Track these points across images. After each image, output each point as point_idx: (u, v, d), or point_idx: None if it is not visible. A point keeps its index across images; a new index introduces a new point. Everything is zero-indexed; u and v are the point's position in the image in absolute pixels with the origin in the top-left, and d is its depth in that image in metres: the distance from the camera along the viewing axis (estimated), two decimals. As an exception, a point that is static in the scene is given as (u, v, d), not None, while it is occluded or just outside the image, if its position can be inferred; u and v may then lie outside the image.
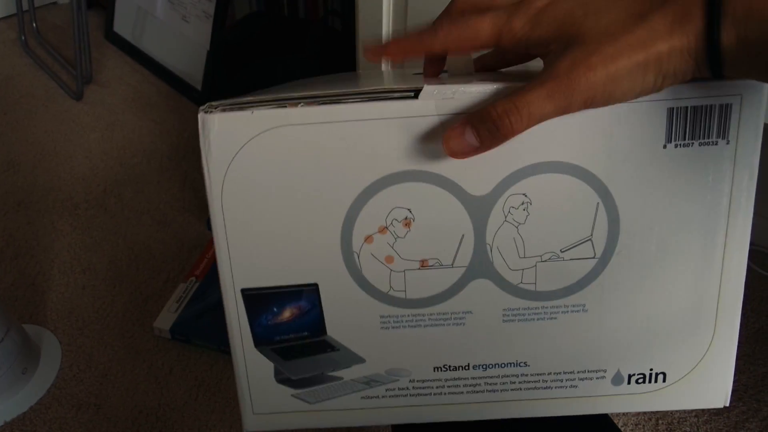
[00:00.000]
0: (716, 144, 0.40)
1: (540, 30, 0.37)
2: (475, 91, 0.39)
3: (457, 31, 0.39)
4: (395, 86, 0.39)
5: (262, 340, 0.43)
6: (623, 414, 1.04)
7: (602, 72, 0.34)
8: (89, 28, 1.56)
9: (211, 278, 1.19)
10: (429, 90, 0.39)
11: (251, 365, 0.44)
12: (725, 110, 0.39)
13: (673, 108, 0.39)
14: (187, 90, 1.59)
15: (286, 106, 0.39)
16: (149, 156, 1.47)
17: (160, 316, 1.15)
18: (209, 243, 1.25)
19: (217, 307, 1.13)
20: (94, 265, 1.26)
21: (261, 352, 0.44)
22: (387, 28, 1.01)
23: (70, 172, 1.44)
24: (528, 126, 0.36)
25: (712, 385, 0.46)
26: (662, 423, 1.04)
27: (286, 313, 0.42)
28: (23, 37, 1.91)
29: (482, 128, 0.37)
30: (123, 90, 1.63)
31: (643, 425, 1.04)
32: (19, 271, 1.27)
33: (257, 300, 0.42)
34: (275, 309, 0.42)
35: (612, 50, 0.34)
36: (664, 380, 0.46)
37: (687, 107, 0.39)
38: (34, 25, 1.93)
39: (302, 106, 0.39)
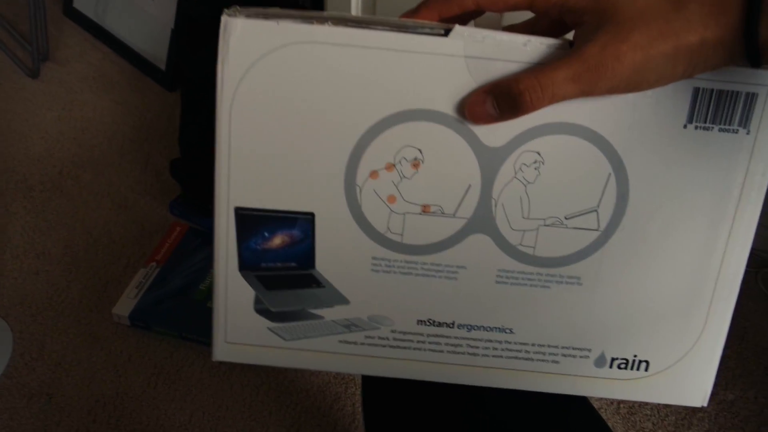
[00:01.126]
0: (736, 132, 0.39)
1: None
2: (506, 39, 0.38)
3: None
4: (427, 22, 0.38)
5: (247, 264, 0.42)
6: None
7: (630, 63, 0.34)
8: (46, 3, 1.47)
9: (172, 263, 1.15)
10: (460, 30, 0.38)
11: (232, 290, 0.43)
12: (750, 99, 0.39)
13: (699, 88, 0.39)
14: (151, 70, 1.52)
15: (313, 23, 0.37)
16: (110, 137, 1.41)
17: (119, 302, 1.10)
18: (171, 227, 1.21)
19: (179, 294, 1.10)
20: (49, 250, 1.21)
21: (244, 277, 0.42)
22: (356, 3, 0.99)
23: (24, 153, 1.37)
24: (549, 104, 0.36)
25: (693, 382, 0.45)
26: (623, 406, 1.04)
27: (277, 240, 0.41)
28: (-26, 10, 1.76)
29: (503, 100, 0.37)
30: (82, 68, 1.56)
31: (605, 409, 1.03)
32: (-31, 255, 1.22)
33: (250, 221, 0.41)
34: (266, 233, 0.41)
35: (643, 39, 0.34)
36: (646, 369, 0.45)
37: (713, 90, 0.39)
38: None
39: (330, 25, 0.37)
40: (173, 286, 1.11)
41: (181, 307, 1.07)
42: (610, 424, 0.99)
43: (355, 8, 0.96)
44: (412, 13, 0.39)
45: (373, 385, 0.59)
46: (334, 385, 1.03)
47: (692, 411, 1.03)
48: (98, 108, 1.47)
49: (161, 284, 1.11)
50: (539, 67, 0.36)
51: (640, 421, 1.01)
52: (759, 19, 0.32)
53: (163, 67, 1.47)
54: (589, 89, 0.35)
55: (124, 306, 1.08)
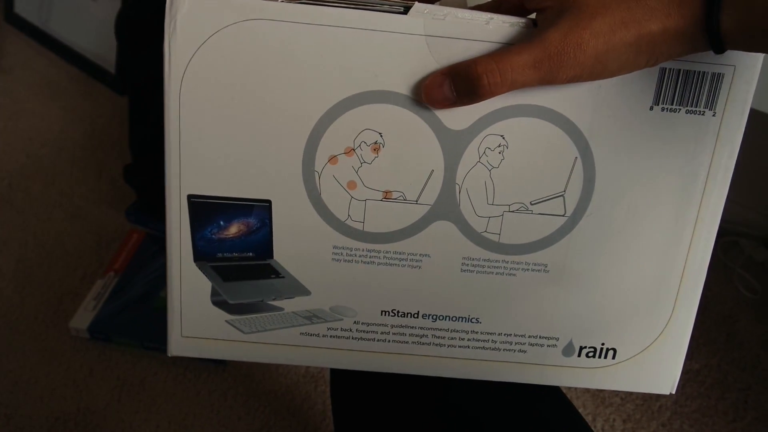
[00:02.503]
0: (703, 114, 0.39)
1: None
2: (469, 17, 0.36)
3: None
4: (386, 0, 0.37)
5: (202, 254, 0.40)
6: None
7: (592, 51, 0.33)
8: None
9: (131, 272, 1.11)
10: (420, 7, 0.36)
11: (186, 282, 0.41)
12: (717, 80, 0.38)
13: (665, 68, 0.38)
14: (100, 74, 1.45)
15: None
16: (59, 146, 1.35)
17: (76, 315, 1.05)
18: (128, 235, 1.17)
19: (139, 303, 1.06)
20: (0, 266, 1.15)
21: (200, 268, 0.40)
22: None
23: (-32, 167, 1.30)
24: (508, 90, 0.35)
25: (661, 369, 0.44)
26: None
27: (233, 229, 0.39)
28: None
29: (461, 84, 0.36)
30: (27, 76, 1.48)
31: (575, 387, 1.02)
32: None
33: (204, 209, 0.39)
34: (222, 222, 0.39)
35: (605, 26, 0.33)
36: (614, 357, 0.44)
37: (680, 70, 0.38)
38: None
39: (283, 1, 0.36)
40: (133, 295, 1.08)
41: (141, 316, 1.04)
42: (580, 401, 0.99)
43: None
44: None
45: (341, 380, 0.57)
46: (304, 384, 1.02)
47: None
48: (46, 116, 1.42)
49: (120, 294, 1.08)
50: (500, 51, 0.35)
51: (609, 396, 1.01)
52: (720, 9, 0.32)
53: (112, 70, 1.43)
54: (550, 77, 0.34)
55: (82, 319, 1.05)
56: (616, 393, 1.01)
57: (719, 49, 0.34)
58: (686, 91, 0.38)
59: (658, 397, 1.01)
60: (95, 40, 1.48)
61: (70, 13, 1.52)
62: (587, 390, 1.01)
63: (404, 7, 0.36)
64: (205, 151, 0.38)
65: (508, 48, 0.35)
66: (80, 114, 1.42)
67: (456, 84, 0.36)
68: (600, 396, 1.00)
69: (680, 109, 0.39)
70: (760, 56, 0.38)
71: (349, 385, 0.56)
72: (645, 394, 1.01)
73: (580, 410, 0.98)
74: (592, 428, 0.94)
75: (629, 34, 0.33)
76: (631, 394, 1.01)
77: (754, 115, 0.67)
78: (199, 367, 1.02)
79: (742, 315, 1.10)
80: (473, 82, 0.35)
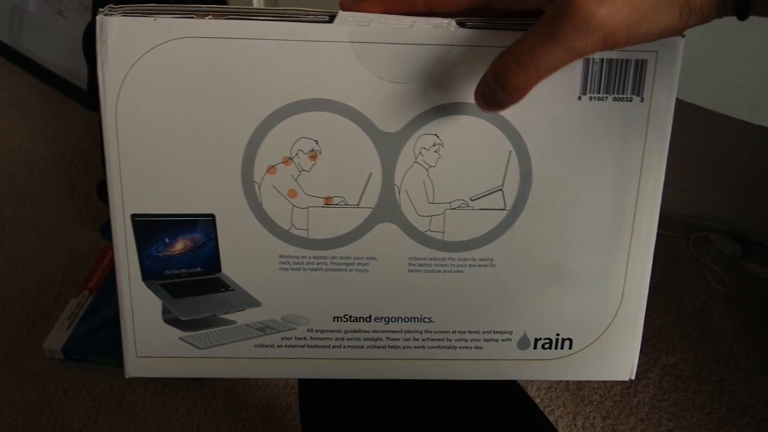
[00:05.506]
0: (630, 101, 0.40)
1: None
2: (393, 22, 0.37)
3: None
4: (311, 9, 0.38)
5: (150, 273, 0.40)
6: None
7: (623, 1, 0.29)
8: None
9: (107, 289, 1.09)
10: (344, 15, 0.37)
11: (137, 302, 0.41)
12: (641, 66, 0.39)
13: (589, 59, 0.39)
14: (72, 90, 1.46)
15: (192, 17, 0.37)
16: (31, 164, 1.35)
17: (50, 335, 1.04)
18: (103, 252, 1.16)
19: (116, 320, 1.06)
20: None
21: (149, 287, 0.41)
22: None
23: (-61, 188, 1.31)
24: (536, 81, 0.32)
25: (618, 355, 0.45)
26: (571, 382, 1.04)
27: (179, 245, 0.40)
28: None
29: (488, 92, 0.34)
30: None
31: (555, 387, 1.04)
32: None
33: (148, 228, 0.39)
34: (167, 239, 0.40)
35: None
36: (570, 347, 0.44)
37: (603, 59, 0.39)
38: None
39: (210, 18, 0.37)
40: (109, 312, 1.06)
41: (118, 334, 1.03)
42: (560, 401, 1.00)
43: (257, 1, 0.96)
44: (356, 0, 0.37)
45: (308, 389, 0.58)
46: (284, 396, 1.01)
47: (637, 378, 1.05)
48: (17, 135, 1.41)
49: (96, 312, 1.06)
50: (516, 41, 0.32)
51: (588, 394, 1.02)
52: None
53: (84, 86, 1.42)
54: (581, 45, 0.30)
55: (56, 339, 1.04)
56: (595, 391, 1.02)
57: (743, 11, 0.31)
58: (612, 79, 0.39)
59: (636, 392, 1.01)
60: (66, 56, 1.47)
61: (41, 30, 1.51)
62: (567, 389, 1.02)
63: (329, 15, 0.37)
64: (145, 171, 0.39)
65: (523, 34, 0.32)
66: (52, 131, 1.42)
67: (484, 95, 0.34)
68: (579, 395, 1.01)
69: (608, 97, 0.39)
70: (681, 40, 0.39)
71: (316, 392, 0.56)
72: (623, 390, 1.02)
73: (559, 409, 0.99)
74: (573, 426, 0.95)
75: None
76: (609, 390, 1.01)
77: (720, 117, 0.69)
78: (178, 383, 1.01)
79: (715, 308, 1.12)
80: (492, 88, 0.33)
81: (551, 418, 0.98)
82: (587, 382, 1.03)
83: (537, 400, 1.01)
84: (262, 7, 0.37)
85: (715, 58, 0.65)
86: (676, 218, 1.21)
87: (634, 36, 0.31)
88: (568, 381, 1.03)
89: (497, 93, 0.33)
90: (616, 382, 1.01)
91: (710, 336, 1.09)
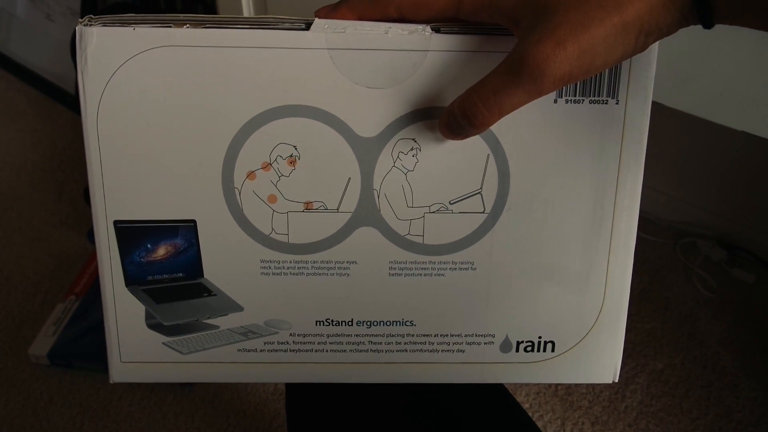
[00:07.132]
0: (606, 103, 0.40)
1: None
2: (368, 28, 0.38)
3: None
4: (287, 17, 0.38)
5: (133, 279, 0.41)
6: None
7: (574, 45, 0.31)
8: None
9: (93, 295, 1.08)
10: (320, 22, 0.38)
11: (121, 307, 0.42)
12: (615, 69, 0.40)
13: None
14: (60, 95, 1.46)
15: (170, 26, 0.37)
16: (18, 169, 1.34)
17: (35, 341, 1.03)
18: (90, 257, 1.15)
19: (101, 326, 1.05)
20: None
21: (132, 292, 0.41)
22: (247, 3, 1.00)
23: (-75, 193, 1.31)
24: (499, 117, 0.35)
25: (601, 358, 0.45)
26: (560, 387, 1.05)
27: (161, 251, 0.40)
28: None
29: (454, 124, 0.36)
30: None
31: (544, 393, 1.04)
32: None
33: (130, 234, 0.40)
34: (149, 245, 0.40)
35: (582, 17, 0.30)
36: (552, 350, 0.45)
37: None
38: None
39: (188, 27, 0.37)
40: (95, 318, 1.05)
41: (104, 339, 1.03)
42: (549, 406, 1.00)
43: (247, 9, 0.97)
44: (330, 10, 0.38)
45: (295, 393, 0.58)
46: (272, 401, 1.01)
47: (625, 383, 1.05)
48: (4, 139, 1.41)
49: (82, 318, 1.05)
50: (480, 80, 0.34)
51: (577, 400, 1.02)
52: None
53: (72, 91, 1.40)
54: (537, 88, 0.32)
55: (42, 345, 1.03)
56: (584, 396, 1.02)
57: (708, 22, 0.32)
58: (587, 82, 0.40)
59: (624, 397, 1.02)
60: (54, 60, 1.46)
61: (29, 34, 1.50)
62: (555, 394, 1.02)
63: (305, 23, 0.38)
64: (126, 178, 0.39)
65: (487, 75, 0.34)
66: (39, 136, 1.42)
67: (450, 127, 0.37)
68: (568, 400, 1.01)
69: (584, 100, 0.40)
70: (655, 43, 0.40)
71: (302, 397, 0.56)
72: (611, 395, 1.02)
73: (548, 414, 0.99)
74: (562, 431, 0.95)
75: (612, 18, 0.31)
76: (598, 396, 1.02)
77: (705, 123, 0.70)
78: (165, 389, 1.01)
79: (702, 314, 1.13)
80: (459, 122, 0.36)
81: (540, 424, 0.98)
82: (576, 387, 1.04)
83: (525, 405, 1.01)
84: (242, 16, 0.37)
85: (700, 64, 0.66)
86: (664, 224, 1.22)
87: (592, 70, 0.32)
88: (556, 386, 1.04)
89: (463, 126, 0.36)
90: (605, 387, 1.02)
91: (697, 341, 1.09)
